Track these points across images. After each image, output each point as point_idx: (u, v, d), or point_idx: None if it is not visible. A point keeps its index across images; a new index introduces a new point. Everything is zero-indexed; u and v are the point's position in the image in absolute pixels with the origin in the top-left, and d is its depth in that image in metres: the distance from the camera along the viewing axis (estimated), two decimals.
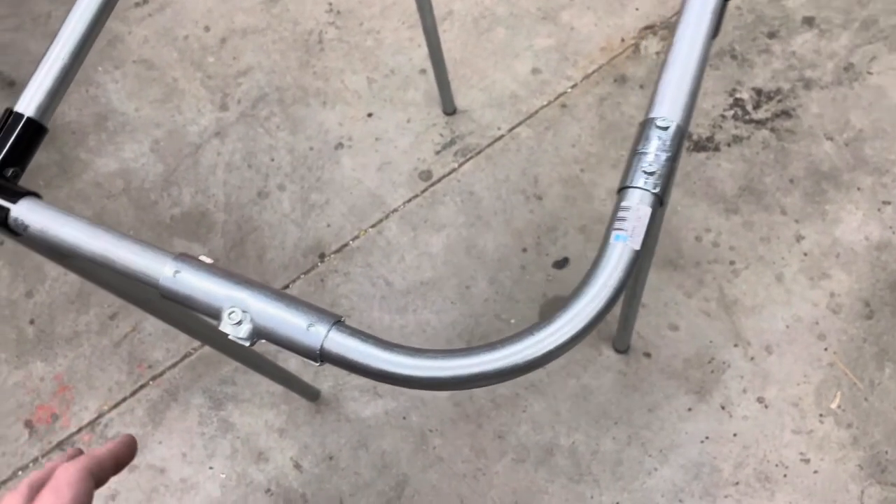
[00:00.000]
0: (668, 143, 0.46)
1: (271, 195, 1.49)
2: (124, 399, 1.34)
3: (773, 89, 1.49)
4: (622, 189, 0.46)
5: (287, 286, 1.41)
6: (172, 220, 1.48)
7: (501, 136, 1.52)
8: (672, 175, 0.46)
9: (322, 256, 1.42)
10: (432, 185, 1.48)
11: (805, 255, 1.34)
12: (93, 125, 1.58)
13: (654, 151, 0.46)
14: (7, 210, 0.47)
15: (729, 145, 1.45)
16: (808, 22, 1.57)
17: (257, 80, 1.61)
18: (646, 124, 0.46)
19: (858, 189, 1.39)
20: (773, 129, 1.45)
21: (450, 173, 1.48)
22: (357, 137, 1.53)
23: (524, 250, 1.40)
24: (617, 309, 1.24)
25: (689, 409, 1.26)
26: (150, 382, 1.34)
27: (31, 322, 1.40)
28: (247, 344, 0.44)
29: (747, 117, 1.47)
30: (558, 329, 0.44)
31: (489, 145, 1.51)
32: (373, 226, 1.44)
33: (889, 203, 1.37)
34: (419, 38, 1.61)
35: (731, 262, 1.35)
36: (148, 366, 1.35)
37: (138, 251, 0.45)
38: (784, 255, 1.34)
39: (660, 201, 0.45)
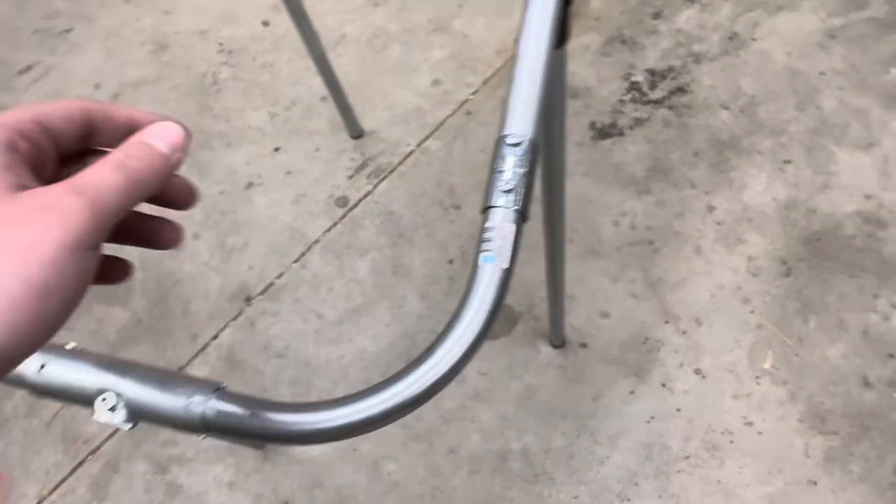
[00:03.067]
0: (522, 158, 0.46)
1: (187, 246, 1.46)
2: (64, 479, 1.29)
3: (665, 68, 1.53)
4: (485, 209, 0.46)
5: (216, 335, 1.38)
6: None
7: (412, 152, 1.52)
8: (531, 189, 0.46)
9: (248, 300, 1.40)
10: (350, 210, 1.47)
11: (719, 224, 1.38)
12: None
13: (511, 168, 0.46)
14: None
15: (632, 128, 1.48)
16: None
17: None
18: (499, 142, 0.47)
19: (759, 152, 1.43)
20: (671, 107, 1.49)
21: (366, 196, 1.48)
22: (267, 174, 1.51)
23: (450, 261, 1.40)
24: (545, 306, 1.25)
25: (632, 392, 1.28)
26: (89, 457, 1.30)
27: None
28: (127, 428, 0.43)
29: (645, 98, 1.50)
30: (441, 359, 0.43)
31: (401, 162, 1.51)
32: (296, 260, 1.43)
33: (790, 162, 1.42)
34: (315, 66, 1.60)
35: (651, 242, 1.37)
36: (84, 441, 1.31)
37: None
38: (699, 228, 1.38)
39: (522, 217, 0.46)
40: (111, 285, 0.36)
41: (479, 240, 0.46)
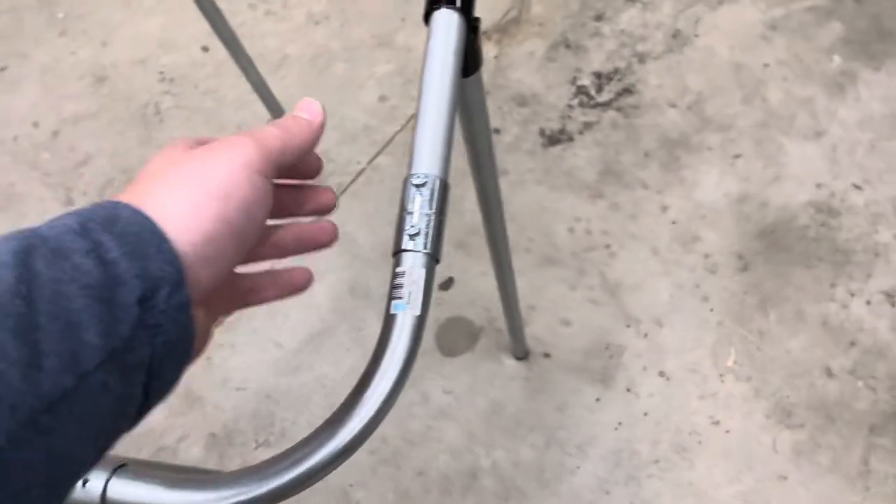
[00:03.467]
0: (430, 199, 0.44)
1: None
2: None
3: (611, 70, 1.53)
4: (395, 254, 0.44)
5: None
6: None
7: (363, 170, 1.50)
8: (441, 230, 0.44)
9: None
10: None
11: (673, 223, 1.37)
12: None
13: (419, 210, 0.44)
14: None
15: (581, 133, 1.47)
16: None
17: (100, 167, 1.53)
18: (406, 183, 0.45)
19: (709, 149, 1.43)
20: (619, 109, 1.49)
21: None
22: None
23: None
24: (503, 319, 1.24)
25: (598, 400, 1.26)
26: None
27: None
28: None
29: (592, 102, 1.50)
30: (358, 414, 0.42)
31: (352, 181, 1.49)
32: None
33: (739, 156, 1.42)
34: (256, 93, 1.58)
35: (607, 246, 1.37)
36: None
37: None
38: (654, 228, 1.37)
39: (434, 259, 0.44)
40: (297, 294, 0.47)
41: (391, 286, 0.44)
